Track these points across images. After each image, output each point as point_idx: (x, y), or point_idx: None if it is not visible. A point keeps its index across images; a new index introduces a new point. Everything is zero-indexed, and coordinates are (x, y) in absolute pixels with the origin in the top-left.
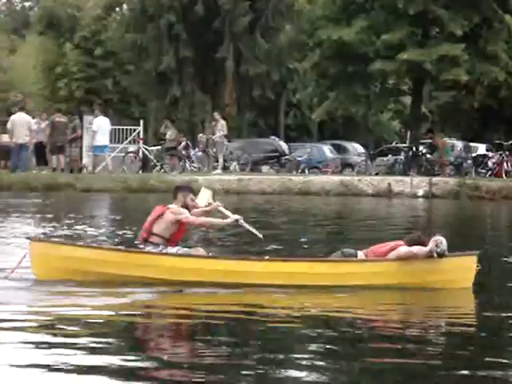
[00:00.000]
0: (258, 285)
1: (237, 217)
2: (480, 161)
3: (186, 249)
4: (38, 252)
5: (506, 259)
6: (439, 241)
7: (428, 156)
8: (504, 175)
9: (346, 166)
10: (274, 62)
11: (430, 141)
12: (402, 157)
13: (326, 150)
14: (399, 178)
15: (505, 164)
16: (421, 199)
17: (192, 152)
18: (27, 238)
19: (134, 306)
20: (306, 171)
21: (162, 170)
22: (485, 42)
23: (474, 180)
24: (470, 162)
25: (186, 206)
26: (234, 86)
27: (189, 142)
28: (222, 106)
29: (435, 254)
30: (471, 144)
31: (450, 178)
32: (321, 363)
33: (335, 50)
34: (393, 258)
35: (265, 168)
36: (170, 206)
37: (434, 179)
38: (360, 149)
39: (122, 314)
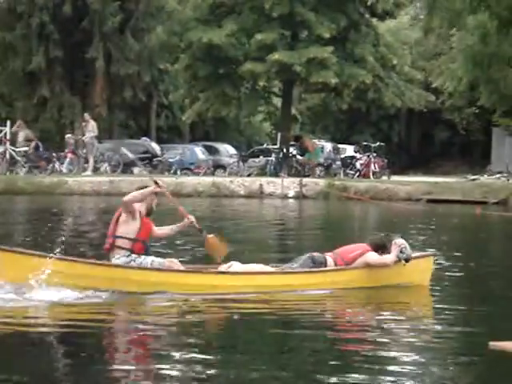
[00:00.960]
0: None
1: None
2: (348, 162)
3: (159, 259)
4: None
5: None
6: (403, 246)
7: (298, 157)
8: (371, 176)
9: (218, 167)
10: (145, 62)
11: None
12: (273, 158)
13: (198, 151)
14: (270, 179)
15: (372, 165)
16: (292, 200)
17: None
18: None
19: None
20: (178, 172)
21: (30, 171)
22: (352, 45)
23: (343, 181)
24: (338, 163)
25: (150, 209)
26: (105, 87)
27: (39, 143)
28: (93, 107)
29: (403, 261)
30: (340, 145)
31: (319, 179)
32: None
33: (205, 51)
34: (362, 266)
35: (136, 169)
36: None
37: (305, 180)
38: (232, 150)
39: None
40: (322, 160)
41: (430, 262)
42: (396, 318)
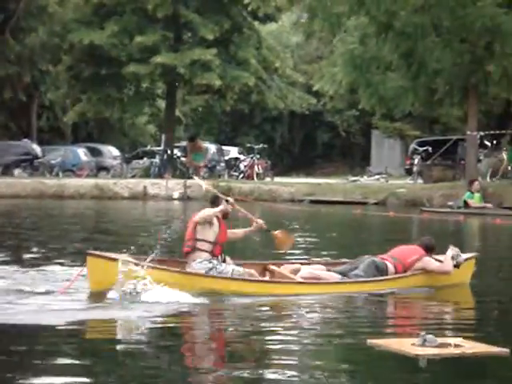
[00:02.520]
0: None
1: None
2: (232, 164)
3: (239, 268)
4: (95, 266)
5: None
6: (456, 253)
7: (182, 159)
8: (255, 177)
9: (101, 169)
10: (26, 63)
11: (184, 144)
12: (158, 160)
13: (81, 152)
14: (155, 180)
15: (256, 167)
16: (176, 201)
17: None
18: (86, 253)
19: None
20: (60, 174)
21: None
22: (236, 47)
23: (227, 182)
24: (223, 164)
25: (227, 213)
26: None
27: None
28: None
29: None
30: (224, 147)
31: (204, 181)
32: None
33: (88, 53)
34: (422, 272)
35: (17, 171)
36: None
37: (189, 182)
38: (115, 152)
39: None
40: (206, 162)
41: (473, 262)
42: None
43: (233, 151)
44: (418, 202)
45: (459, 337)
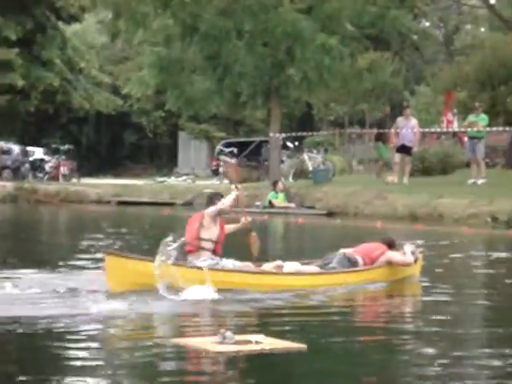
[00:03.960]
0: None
1: (234, 190)
2: (37, 165)
3: (238, 263)
4: (114, 266)
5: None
6: (414, 249)
7: None
8: (61, 179)
9: None
10: None
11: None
12: None
13: None
14: None
15: (61, 168)
16: None
17: None
18: (104, 252)
19: None
20: None
21: None
22: (39, 47)
23: (32, 184)
24: (27, 165)
25: (222, 210)
26: None
27: None
28: None
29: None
30: (28, 148)
31: (7, 182)
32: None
33: None
34: (386, 264)
35: None
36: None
37: None
38: None
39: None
40: (9, 162)
41: (421, 258)
42: None
43: (38, 152)
44: None
45: (261, 334)
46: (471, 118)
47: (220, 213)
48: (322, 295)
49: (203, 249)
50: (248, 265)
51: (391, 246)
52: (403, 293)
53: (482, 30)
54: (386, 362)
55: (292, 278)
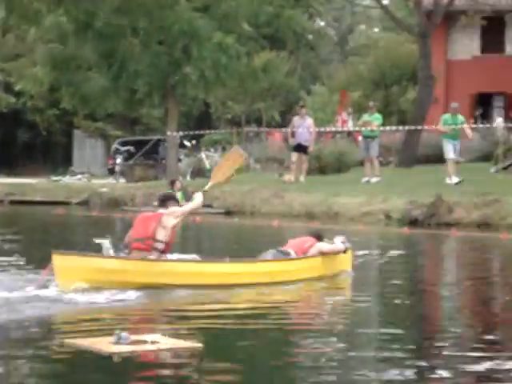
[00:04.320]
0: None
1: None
2: None
3: (184, 256)
4: (62, 264)
5: None
6: (344, 240)
7: None
8: None
9: None
10: None
11: None
12: None
13: None
14: None
15: None
16: None
17: None
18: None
19: None
20: None
21: None
22: None
23: None
24: None
25: None
26: None
27: None
28: None
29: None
30: None
31: None
32: None
33: None
34: (318, 255)
35: None
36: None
37: None
38: None
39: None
40: None
41: (351, 252)
42: None
43: None
44: (121, 201)
45: (157, 333)
46: (365, 117)
47: (185, 215)
48: (230, 295)
49: (155, 249)
50: (195, 257)
51: (319, 238)
52: (318, 292)
53: (376, 30)
54: (276, 360)
55: (236, 266)
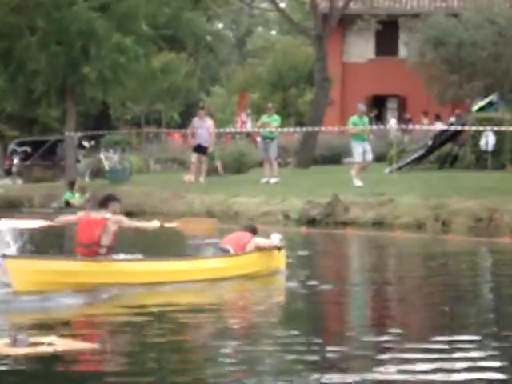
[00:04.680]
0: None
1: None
2: None
3: (130, 256)
4: (15, 267)
5: None
6: (281, 237)
7: None
8: None
9: None
10: None
11: None
12: None
13: None
14: None
15: None
16: None
17: None
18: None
19: None
20: None
21: None
22: None
23: None
24: None
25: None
26: None
27: None
28: None
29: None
30: None
31: None
32: None
33: None
34: (254, 249)
35: None
36: (106, 216)
37: None
38: None
39: None
40: None
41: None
42: None
43: None
44: (17, 202)
45: (54, 335)
46: (264, 118)
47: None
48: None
49: (99, 254)
50: (138, 256)
51: (255, 232)
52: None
53: (273, 32)
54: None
55: (179, 264)
